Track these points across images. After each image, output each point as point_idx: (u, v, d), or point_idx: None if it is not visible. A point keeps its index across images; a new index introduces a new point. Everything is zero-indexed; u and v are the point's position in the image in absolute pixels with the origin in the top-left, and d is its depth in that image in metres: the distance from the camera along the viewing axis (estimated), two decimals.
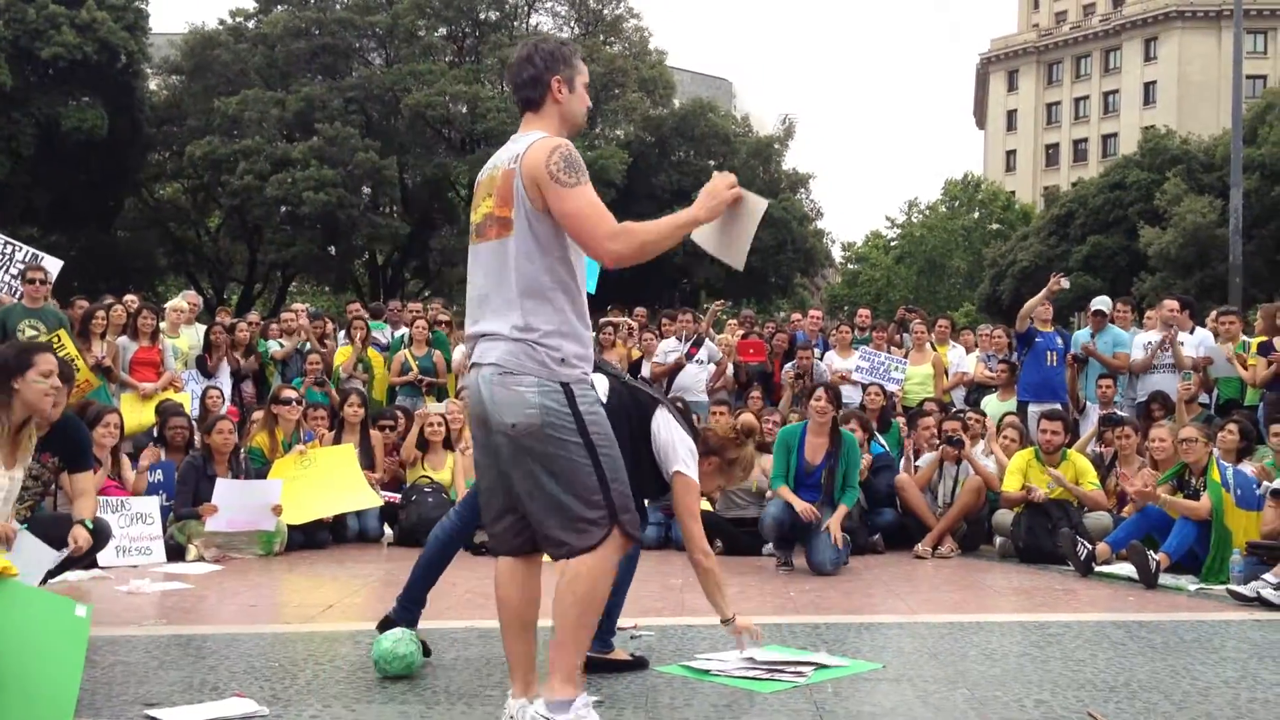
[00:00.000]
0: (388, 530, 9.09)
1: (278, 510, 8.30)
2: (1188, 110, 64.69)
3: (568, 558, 3.46)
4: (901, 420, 10.54)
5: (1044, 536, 8.16)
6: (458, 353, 11.75)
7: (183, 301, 11.65)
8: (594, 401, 3.54)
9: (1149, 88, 71.41)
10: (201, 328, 11.60)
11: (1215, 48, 66.01)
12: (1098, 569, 7.62)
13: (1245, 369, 10.03)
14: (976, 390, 11.90)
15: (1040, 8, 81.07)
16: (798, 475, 8.12)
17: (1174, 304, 11.00)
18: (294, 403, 9.20)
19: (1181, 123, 55.77)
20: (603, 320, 12.68)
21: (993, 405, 10.89)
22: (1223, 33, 64.51)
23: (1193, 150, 39.92)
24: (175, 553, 7.98)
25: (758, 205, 3.66)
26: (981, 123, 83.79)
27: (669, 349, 11.93)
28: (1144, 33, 71.82)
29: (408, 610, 4.78)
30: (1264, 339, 9.99)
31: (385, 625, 4.73)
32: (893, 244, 63.09)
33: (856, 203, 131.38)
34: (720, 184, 3.60)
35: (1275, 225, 33.80)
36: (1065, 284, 10.87)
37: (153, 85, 37.06)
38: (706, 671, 4.66)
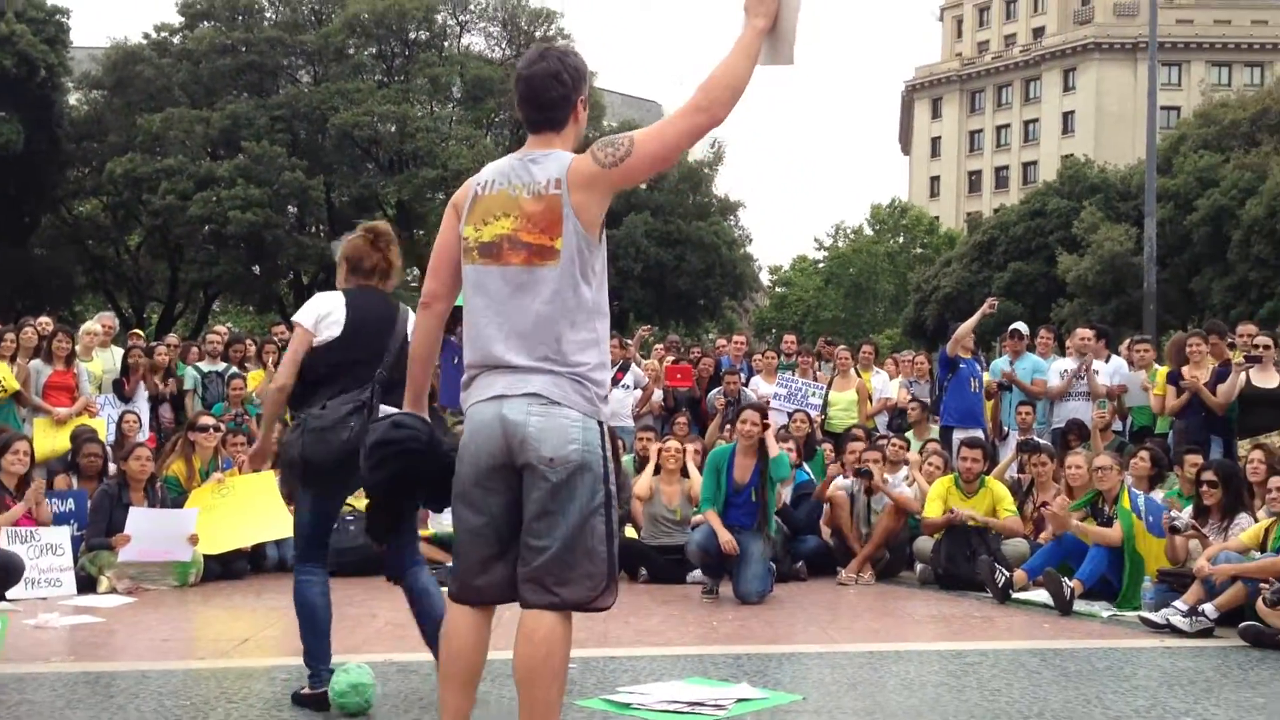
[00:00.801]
0: None
1: (193, 540, 8.13)
2: (1105, 139, 66.33)
3: (550, 609, 3.19)
4: (827, 447, 10.60)
5: (963, 563, 8.28)
6: None
7: (97, 325, 11.38)
8: (615, 450, 3.37)
9: (1068, 117, 73.18)
10: (119, 351, 11.33)
11: (1131, 79, 67.83)
12: (1015, 595, 7.74)
13: (1155, 395, 10.26)
14: (900, 415, 12.02)
15: (963, 37, 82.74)
16: (728, 496, 8.15)
17: (1088, 333, 11.23)
18: (211, 429, 9.03)
19: (1099, 152, 57.16)
20: None
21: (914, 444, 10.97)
22: (1138, 65, 66.28)
23: (1110, 179, 40.94)
24: (86, 584, 7.77)
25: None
26: (907, 149, 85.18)
27: None
28: (1063, 64, 73.62)
29: (319, 677, 4.57)
30: (1171, 369, 10.23)
31: (303, 701, 4.55)
32: (820, 266, 63.78)
33: (784, 227, 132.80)
34: None
35: (1188, 254, 34.74)
36: (992, 307, 11.18)
37: (73, 100, 36.32)
38: (628, 705, 4.65)
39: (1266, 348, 9.55)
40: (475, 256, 3.35)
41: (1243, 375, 9.40)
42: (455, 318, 11.77)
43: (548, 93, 3.34)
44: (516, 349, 3.25)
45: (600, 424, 3.28)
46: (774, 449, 8.06)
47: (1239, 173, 33.87)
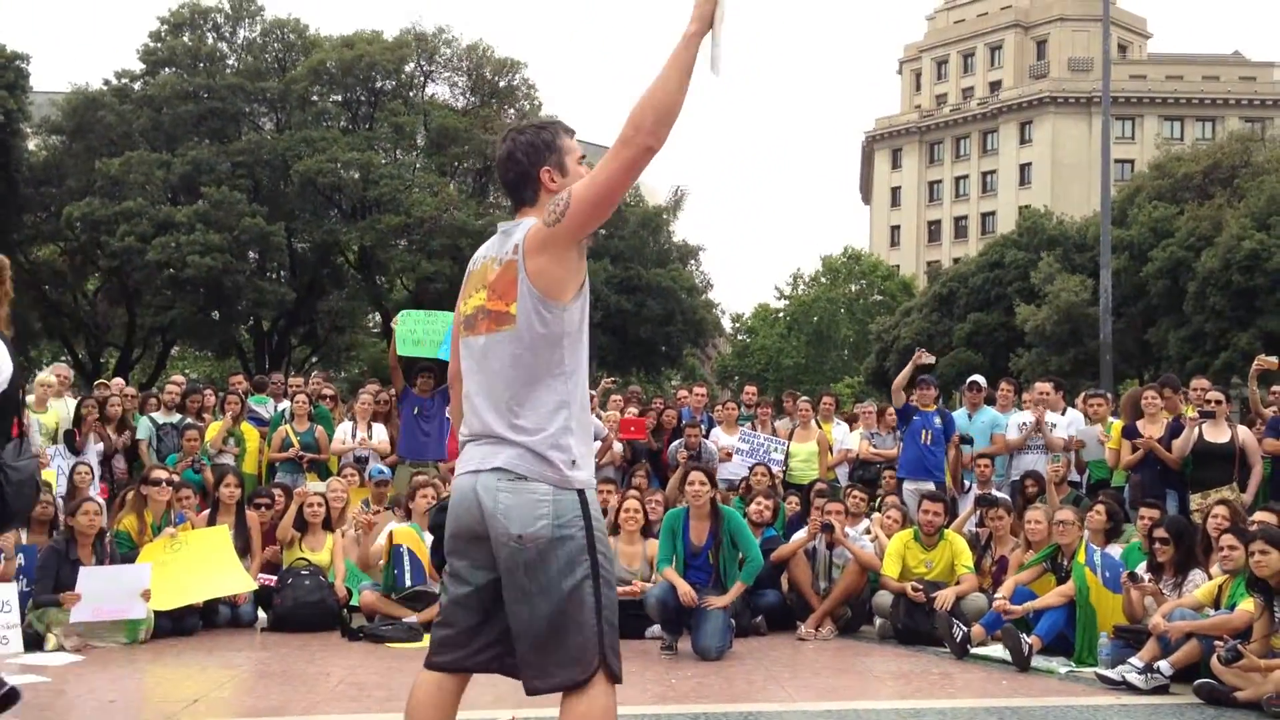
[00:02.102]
0: (262, 615, 8.81)
1: (146, 595, 7.99)
2: (1060, 191, 67.47)
3: (551, 691, 3.18)
4: (791, 502, 10.58)
5: (921, 618, 8.28)
6: (341, 430, 11.56)
7: (50, 375, 11.23)
8: (599, 512, 3.31)
9: (1025, 169, 74.40)
10: (73, 401, 11.17)
11: (1086, 132, 69.17)
12: (973, 651, 7.75)
13: (1111, 448, 10.35)
14: (862, 466, 12.04)
15: (922, 90, 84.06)
16: (685, 558, 8.15)
17: (1046, 386, 11.33)
18: (164, 483, 8.90)
19: (1055, 202, 58.08)
20: None
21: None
22: (1093, 118, 67.71)
23: (1066, 231, 41.55)
24: (34, 642, 7.61)
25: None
26: (868, 198, 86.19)
27: None
28: (1019, 116, 74.94)
29: None
30: (1126, 423, 10.34)
31: None
32: (781, 315, 64.19)
33: (749, 274, 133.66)
34: None
35: (1143, 304, 35.24)
36: (929, 358, 11.23)
37: (31, 145, 36.06)
38: None
39: (1218, 403, 9.68)
40: (462, 330, 3.46)
41: (1196, 430, 9.51)
42: (411, 367, 11.73)
43: (508, 174, 3.43)
44: (489, 418, 3.28)
45: (579, 492, 3.23)
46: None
47: (1194, 224, 34.48)
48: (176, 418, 11.40)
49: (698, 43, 3.10)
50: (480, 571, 3.28)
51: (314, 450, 11.28)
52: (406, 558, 8.53)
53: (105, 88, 36.57)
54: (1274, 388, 11.89)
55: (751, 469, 10.94)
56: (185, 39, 37.26)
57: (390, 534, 8.69)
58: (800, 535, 9.17)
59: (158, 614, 8.09)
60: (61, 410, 10.86)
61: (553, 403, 3.24)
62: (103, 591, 7.81)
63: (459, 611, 3.32)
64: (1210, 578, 7.24)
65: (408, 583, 8.47)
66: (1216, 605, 6.91)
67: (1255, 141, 42.43)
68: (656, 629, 8.18)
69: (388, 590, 8.51)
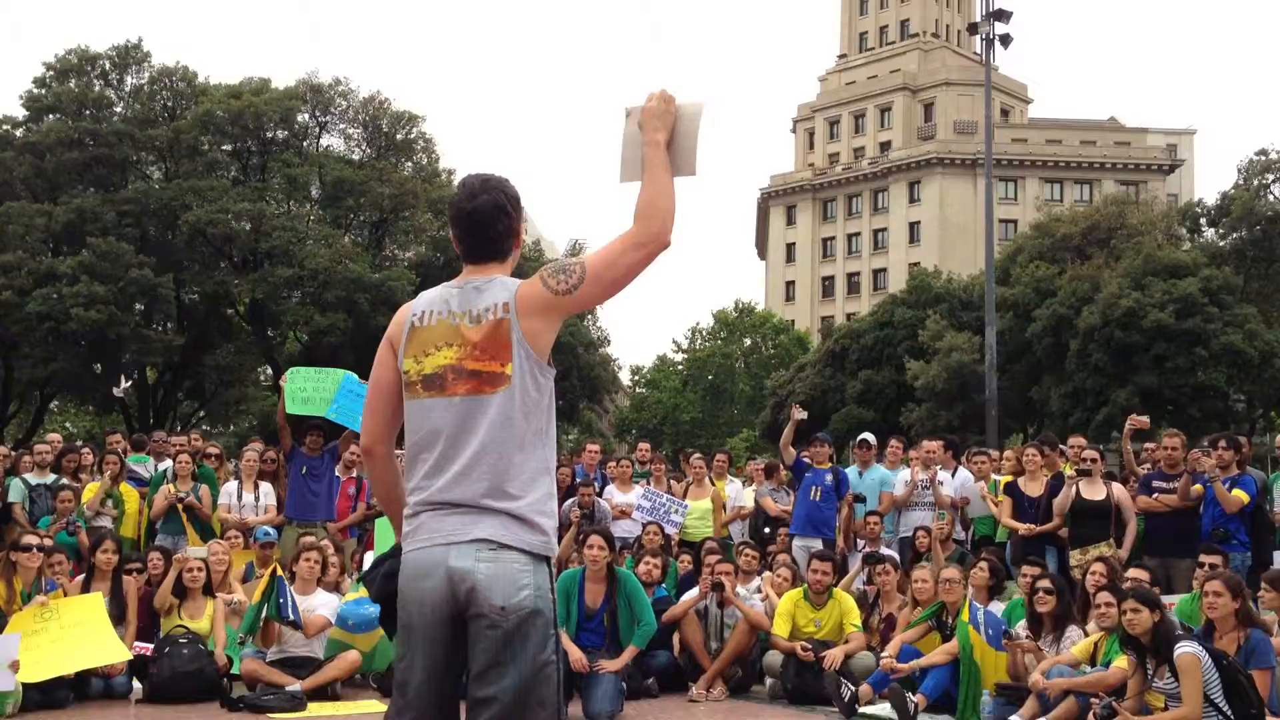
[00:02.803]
0: (137, 685, 8.47)
1: (15, 667, 7.64)
2: (948, 249, 69.40)
3: None
4: (684, 560, 10.58)
5: (811, 678, 8.33)
6: (226, 490, 11.24)
7: None
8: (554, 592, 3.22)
9: (914, 227, 76.45)
10: None
11: (972, 192, 71.35)
12: (861, 710, 7.83)
13: (994, 505, 10.58)
14: (770, 523, 12.03)
15: (815, 148, 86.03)
16: (579, 621, 8.10)
17: (934, 445, 11.55)
18: (34, 549, 8.54)
19: (943, 260, 59.76)
20: None
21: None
22: (977, 179, 69.82)
23: (953, 290, 42.74)
24: None
25: (693, 105, 3.36)
26: (763, 254, 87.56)
27: None
28: (908, 176, 77.11)
29: None
30: (1010, 479, 10.61)
31: None
32: (678, 368, 64.64)
33: (649, 325, 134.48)
34: (657, 101, 3.29)
35: (1027, 361, 36.32)
36: (802, 414, 11.44)
37: None
38: None
39: (1094, 461, 9.99)
40: (419, 390, 3.24)
41: (1074, 488, 9.78)
42: (300, 425, 11.40)
43: (495, 226, 3.32)
44: (464, 485, 3.13)
45: (548, 561, 3.16)
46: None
47: (1074, 284, 35.73)
48: (51, 478, 10.97)
49: (665, 147, 3.27)
50: (441, 650, 3.14)
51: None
52: (289, 589, 8.32)
53: None
54: (1146, 445, 12.35)
55: (645, 527, 10.94)
56: (71, 85, 36.50)
57: (274, 566, 8.52)
58: (691, 595, 9.17)
59: (26, 686, 7.74)
60: None
61: (538, 468, 3.18)
62: None
63: (419, 694, 3.16)
64: (1087, 634, 7.43)
65: (290, 615, 8.23)
66: (1093, 662, 7.09)
67: (1130, 204, 44.28)
68: None
69: (271, 616, 8.21)
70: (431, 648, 3.13)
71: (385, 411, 3.35)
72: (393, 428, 3.38)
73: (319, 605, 8.64)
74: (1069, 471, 10.16)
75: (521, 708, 3.04)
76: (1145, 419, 10.66)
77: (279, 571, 8.41)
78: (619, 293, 3.24)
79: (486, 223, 3.30)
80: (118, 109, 37.23)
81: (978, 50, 48.92)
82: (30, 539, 8.73)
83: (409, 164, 40.64)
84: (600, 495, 12.06)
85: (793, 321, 72.66)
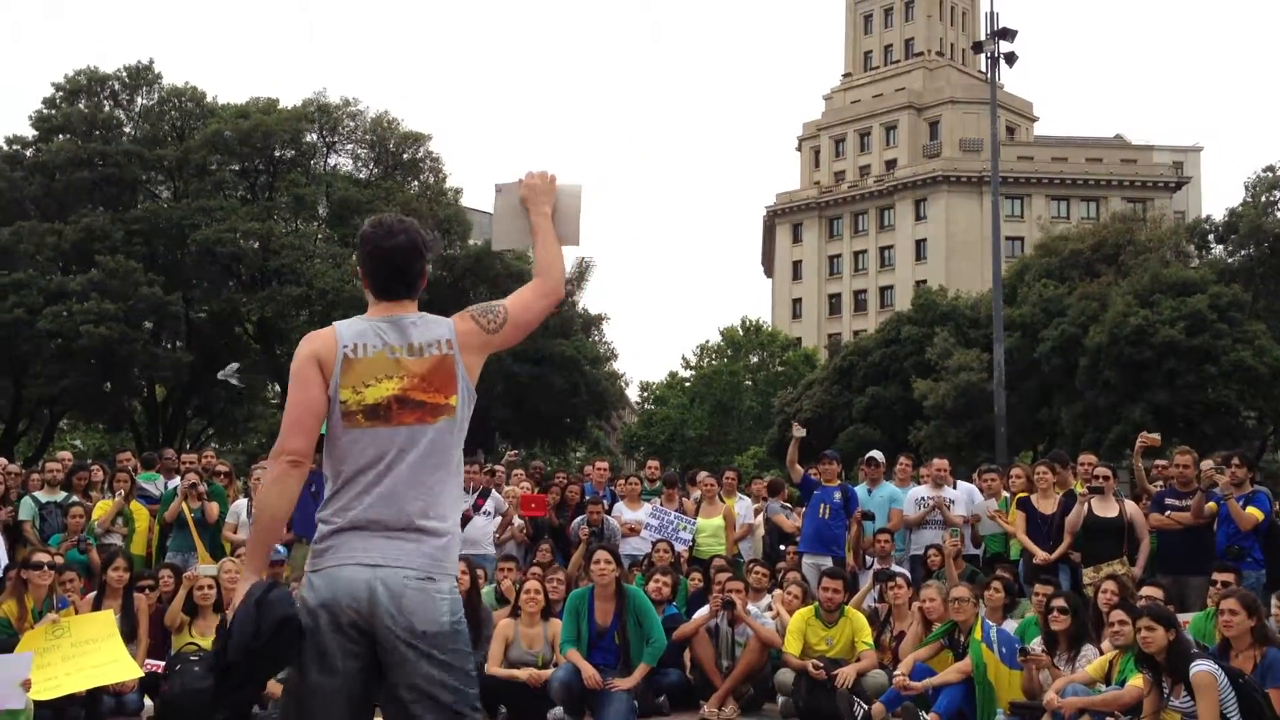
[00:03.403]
0: (148, 703, 8.47)
1: (27, 685, 7.62)
2: (955, 266, 69.44)
3: None
4: (694, 578, 10.55)
5: (823, 696, 8.29)
6: (236, 508, 11.24)
7: None
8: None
9: (920, 244, 76.50)
10: None
11: (978, 210, 71.35)
12: None
13: (1007, 524, 10.54)
14: (785, 540, 12.01)
15: (821, 166, 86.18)
16: (590, 639, 8.08)
17: (944, 463, 11.53)
18: (46, 567, 8.55)
19: (950, 277, 59.76)
20: None
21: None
22: (983, 197, 69.81)
23: (959, 307, 42.68)
24: None
25: (573, 186, 3.88)
26: (769, 271, 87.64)
27: None
28: (914, 194, 77.21)
29: None
30: (1023, 495, 10.58)
31: None
32: (685, 384, 64.64)
33: (658, 343, 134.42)
34: (539, 179, 3.77)
35: (1035, 380, 36.22)
36: (800, 431, 11.46)
37: None
38: None
39: (1106, 478, 9.95)
40: (360, 420, 3.40)
41: (1086, 505, 9.75)
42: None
43: (413, 266, 3.55)
44: (398, 509, 3.34)
45: (454, 577, 3.42)
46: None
47: (1083, 302, 35.66)
48: (61, 495, 10.99)
49: (550, 218, 3.77)
50: (354, 662, 3.27)
51: (203, 526, 10.91)
52: None
53: None
54: (1157, 461, 12.31)
55: (654, 545, 10.93)
56: (81, 105, 36.70)
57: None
58: (702, 613, 9.16)
59: (38, 704, 7.72)
60: None
61: (457, 495, 3.49)
62: None
63: (326, 706, 3.26)
64: (1101, 653, 7.40)
65: None
66: (1108, 681, 7.05)
67: (1137, 221, 44.27)
68: (558, 711, 8.08)
69: None
70: (345, 658, 3.26)
71: (315, 430, 3.46)
72: (310, 451, 3.46)
73: None
74: (1080, 489, 10.13)
75: (450, 709, 3.27)
76: (1156, 436, 10.63)
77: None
78: (526, 335, 3.71)
79: (406, 262, 3.53)
80: (127, 129, 37.40)
81: (983, 68, 49.06)
82: (41, 557, 8.73)
83: (415, 183, 40.76)
84: (609, 513, 12.06)
85: (799, 339, 72.65)
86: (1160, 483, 10.78)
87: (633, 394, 61.65)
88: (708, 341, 67.08)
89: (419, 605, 3.26)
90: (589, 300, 54.72)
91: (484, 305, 3.60)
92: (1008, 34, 27.51)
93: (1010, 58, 27.64)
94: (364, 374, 3.41)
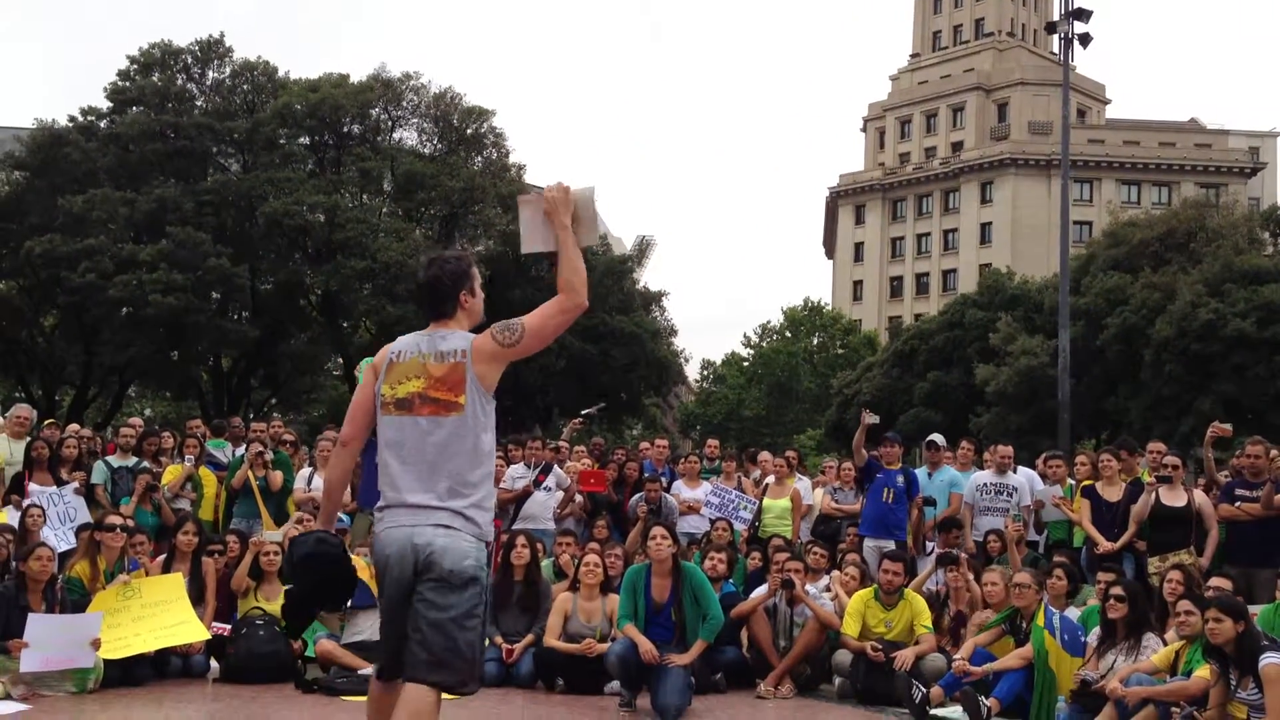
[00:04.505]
0: (214, 665, 8.65)
1: (96, 644, 7.83)
2: (1021, 250, 68.44)
3: (423, 683, 4.07)
4: (754, 557, 10.52)
5: (881, 679, 8.27)
6: (301, 476, 11.42)
7: (11, 416, 11.04)
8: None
9: (985, 228, 75.46)
10: (21, 444, 10.90)
11: (1045, 194, 70.28)
12: (932, 712, 7.74)
13: (1071, 512, 10.41)
14: (824, 522, 12.00)
15: (885, 148, 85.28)
16: (647, 615, 8.11)
17: (1008, 450, 11.36)
18: (118, 529, 8.75)
19: (1015, 262, 58.90)
20: None
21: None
22: (1052, 180, 68.72)
23: (1028, 291, 42.00)
24: None
25: (586, 190, 4.46)
26: (831, 253, 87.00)
27: (517, 475, 11.81)
28: (980, 177, 76.13)
29: None
30: (1088, 483, 10.43)
31: None
32: (744, 364, 64.50)
33: (719, 322, 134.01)
34: (558, 192, 4.41)
35: (1100, 369, 35.62)
36: (873, 419, 11.22)
37: None
38: None
39: (1175, 468, 9.78)
40: (391, 409, 4.31)
41: (1153, 494, 9.60)
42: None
43: (435, 294, 4.42)
44: (424, 486, 4.21)
45: (486, 545, 4.26)
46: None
47: (1148, 291, 34.97)
48: (133, 460, 11.22)
49: (570, 228, 4.42)
50: (402, 603, 4.20)
51: (267, 495, 11.07)
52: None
53: (71, 125, 36.40)
54: (1235, 455, 12.03)
55: (714, 523, 10.93)
56: (155, 78, 37.22)
57: None
58: (760, 592, 9.15)
59: (107, 663, 7.93)
60: (4, 452, 10.59)
61: (482, 474, 4.28)
62: (52, 640, 7.65)
63: (390, 632, 4.27)
64: (1166, 643, 7.29)
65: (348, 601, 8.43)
66: (1174, 671, 6.95)
67: (1210, 207, 43.26)
68: (615, 685, 8.12)
69: (346, 644, 8.41)
70: (397, 601, 4.19)
71: (361, 420, 4.45)
72: (365, 432, 4.46)
73: None
74: (1148, 478, 9.97)
75: (449, 648, 4.09)
76: (1228, 426, 10.41)
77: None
78: (546, 345, 4.46)
79: (429, 291, 4.43)
80: (198, 102, 37.90)
81: (1054, 49, 48.16)
82: (114, 519, 8.94)
83: (479, 158, 40.90)
84: (667, 490, 12.08)
85: (859, 321, 72.09)
86: (1229, 473, 10.57)
87: (692, 371, 61.61)
88: (769, 321, 66.87)
89: (446, 547, 4.13)
90: (650, 278, 54.70)
91: (505, 322, 4.30)
92: (1082, 14, 26.96)
93: (1085, 39, 27.10)
94: (400, 374, 4.32)
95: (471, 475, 4.21)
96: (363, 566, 8.89)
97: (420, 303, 4.51)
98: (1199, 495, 9.75)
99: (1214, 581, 7.92)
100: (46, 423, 12.96)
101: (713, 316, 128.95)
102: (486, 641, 4.44)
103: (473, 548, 4.16)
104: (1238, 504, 9.51)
